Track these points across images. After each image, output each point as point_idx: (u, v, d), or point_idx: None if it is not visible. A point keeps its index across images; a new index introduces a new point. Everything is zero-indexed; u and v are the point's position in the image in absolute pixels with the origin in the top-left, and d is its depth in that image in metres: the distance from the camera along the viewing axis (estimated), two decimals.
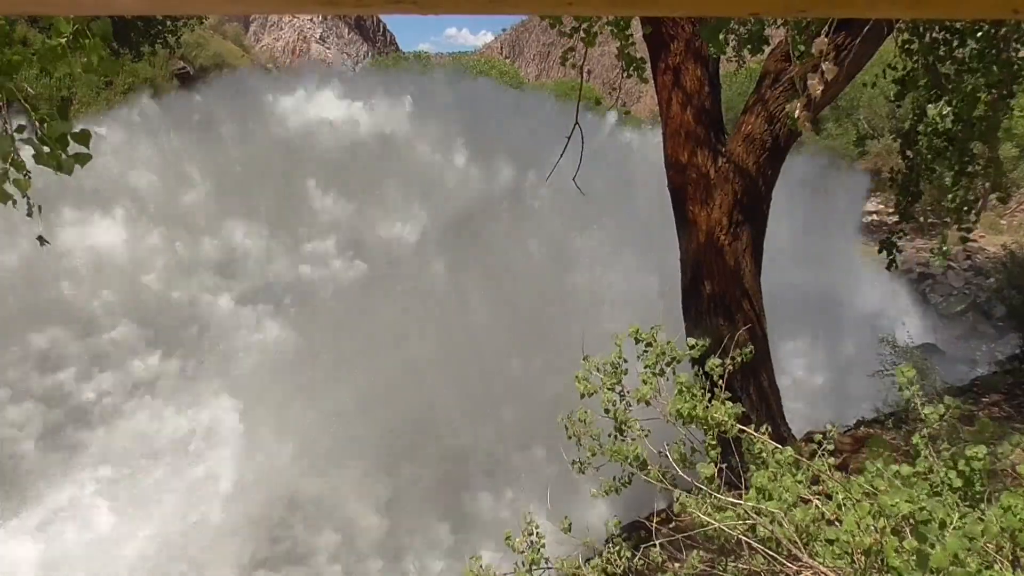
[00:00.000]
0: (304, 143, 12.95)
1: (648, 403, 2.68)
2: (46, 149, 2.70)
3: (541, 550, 2.78)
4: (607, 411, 2.75)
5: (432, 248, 10.68)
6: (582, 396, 2.84)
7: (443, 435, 8.17)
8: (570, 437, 2.87)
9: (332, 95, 15.21)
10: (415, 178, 13.06)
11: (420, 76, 22.36)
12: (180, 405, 9.24)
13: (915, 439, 2.53)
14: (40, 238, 3.28)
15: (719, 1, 0.83)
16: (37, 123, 2.70)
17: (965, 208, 5.67)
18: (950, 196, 5.63)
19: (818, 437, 2.83)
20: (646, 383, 2.72)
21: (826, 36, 3.38)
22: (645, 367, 2.79)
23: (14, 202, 2.92)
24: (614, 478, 2.90)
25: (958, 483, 2.27)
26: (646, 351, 2.84)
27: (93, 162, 2.86)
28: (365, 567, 7.36)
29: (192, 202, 11.64)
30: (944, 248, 5.83)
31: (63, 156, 2.71)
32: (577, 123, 5.61)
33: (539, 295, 9.75)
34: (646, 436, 2.76)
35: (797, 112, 3.56)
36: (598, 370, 2.82)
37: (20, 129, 2.84)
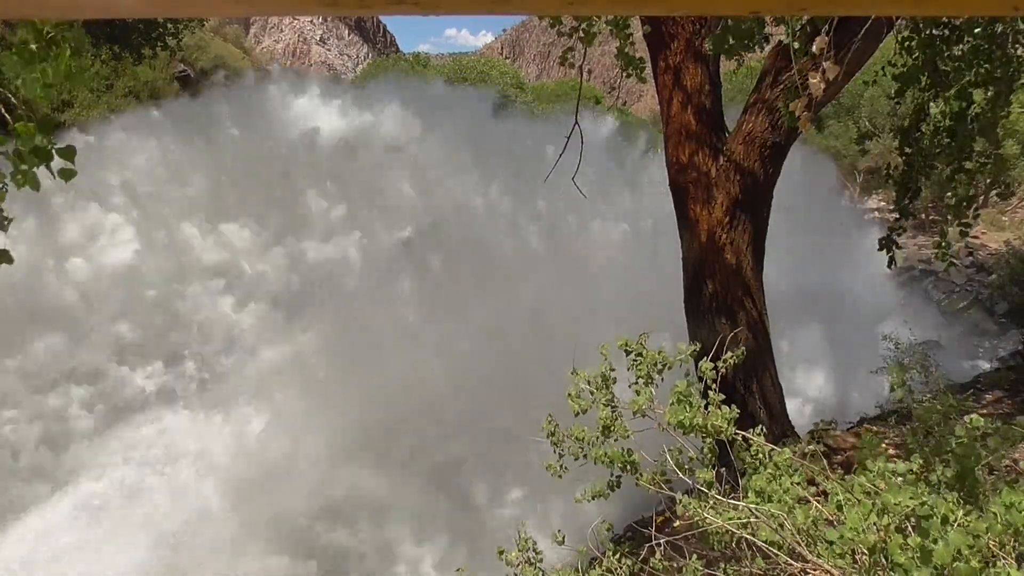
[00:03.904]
0: (305, 149, 12.93)
1: (644, 415, 2.65)
2: (23, 166, 2.56)
3: (538, 564, 2.74)
4: (606, 428, 2.70)
5: (433, 252, 10.66)
6: (576, 414, 2.77)
7: (444, 437, 8.17)
8: (554, 443, 2.82)
9: (334, 101, 15.19)
10: (415, 182, 13.03)
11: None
12: (188, 409, 9.25)
13: (908, 438, 2.53)
14: (3, 252, 2.97)
15: (721, 0, 0.82)
16: (14, 135, 2.55)
17: (964, 204, 5.64)
18: (949, 193, 5.61)
19: (814, 432, 2.81)
20: (639, 394, 2.68)
21: (826, 34, 3.36)
22: (637, 379, 2.75)
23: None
24: (608, 483, 2.86)
25: (955, 480, 2.26)
26: (635, 361, 2.78)
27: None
28: (365, 566, 7.39)
29: (193, 207, 11.62)
30: (945, 246, 5.78)
31: (33, 170, 2.55)
32: (577, 123, 5.61)
33: (541, 296, 9.73)
34: (631, 437, 2.72)
35: (798, 111, 3.55)
36: (588, 383, 2.76)
37: (3, 140, 2.71)
